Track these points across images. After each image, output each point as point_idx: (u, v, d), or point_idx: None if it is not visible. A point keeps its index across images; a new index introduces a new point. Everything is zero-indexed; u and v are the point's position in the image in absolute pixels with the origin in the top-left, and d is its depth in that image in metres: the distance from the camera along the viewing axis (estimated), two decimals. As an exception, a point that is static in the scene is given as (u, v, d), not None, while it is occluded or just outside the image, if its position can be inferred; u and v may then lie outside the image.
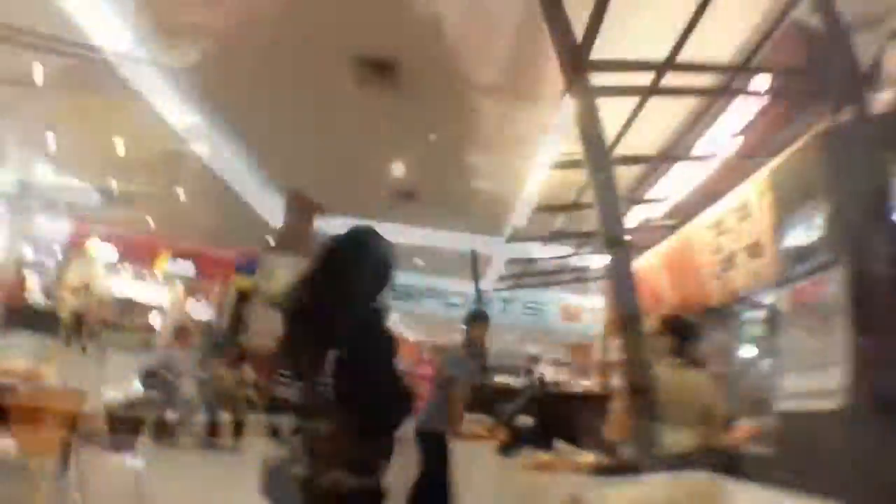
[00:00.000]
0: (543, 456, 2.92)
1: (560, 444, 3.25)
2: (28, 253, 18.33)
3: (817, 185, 3.72)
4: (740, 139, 5.19)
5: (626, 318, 2.79)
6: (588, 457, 3.01)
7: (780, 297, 4.23)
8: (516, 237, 8.24)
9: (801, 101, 4.57)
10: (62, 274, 21.22)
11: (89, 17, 7.05)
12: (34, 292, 18.28)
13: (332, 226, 13.34)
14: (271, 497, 2.04)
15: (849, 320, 3.14)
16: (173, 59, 7.78)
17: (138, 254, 20.62)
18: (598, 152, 2.91)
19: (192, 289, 21.76)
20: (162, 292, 22.37)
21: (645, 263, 6.84)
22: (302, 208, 12.57)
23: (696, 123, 5.88)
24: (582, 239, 8.40)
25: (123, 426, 4.19)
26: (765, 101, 4.97)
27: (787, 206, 4.28)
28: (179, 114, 9.51)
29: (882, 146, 3.06)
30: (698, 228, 5.72)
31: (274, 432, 2.26)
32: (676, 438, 3.12)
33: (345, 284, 2.10)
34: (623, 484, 2.04)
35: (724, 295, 5.38)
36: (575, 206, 6.76)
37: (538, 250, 9.14)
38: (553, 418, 3.46)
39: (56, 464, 4.01)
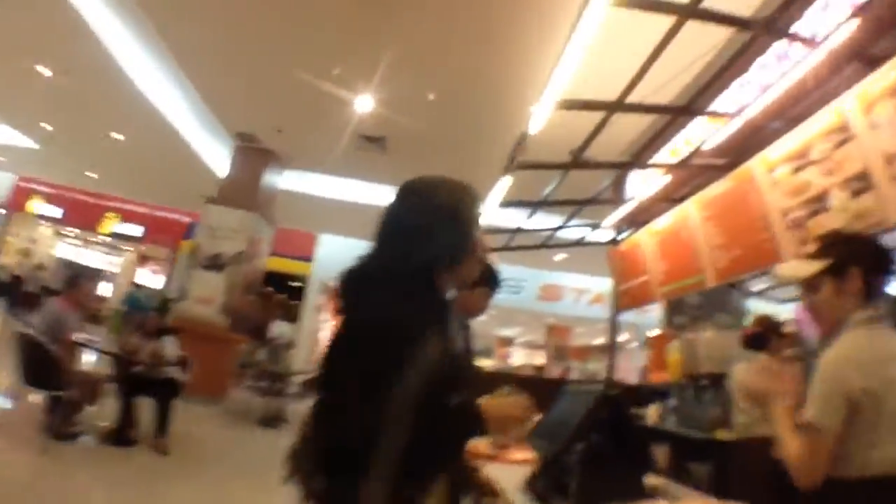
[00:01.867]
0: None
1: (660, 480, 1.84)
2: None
3: None
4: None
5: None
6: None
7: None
8: (503, 202, 6.74)
9: None
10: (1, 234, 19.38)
11: None
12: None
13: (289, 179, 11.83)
14: None
15: None
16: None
17: (84, 215, 18.80)
18: None
19: (142, 254, 19.95)
20: (110, 258, 20.62)
21: (682, 213, 5.45)
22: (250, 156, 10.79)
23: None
24: (577, 207, 7.04)
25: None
26: None
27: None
28: (123, 45, 7.83)
29: None
30: (764, 163, 4.35)
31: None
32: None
33: None
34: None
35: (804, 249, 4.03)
36: (574, 164, 5.38)
37: (523, 219, 7.61)
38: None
39: None
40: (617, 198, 7.12)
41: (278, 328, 11.63)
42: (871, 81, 3.42)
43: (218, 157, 11.40)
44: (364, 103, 8.11)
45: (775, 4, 3.52)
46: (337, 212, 12.87)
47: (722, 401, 4.32)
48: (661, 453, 4.92)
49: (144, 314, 7.83)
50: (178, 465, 5.63)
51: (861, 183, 3.48)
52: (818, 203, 3.82)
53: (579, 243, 8.51)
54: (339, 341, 1.40)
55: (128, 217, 18.33)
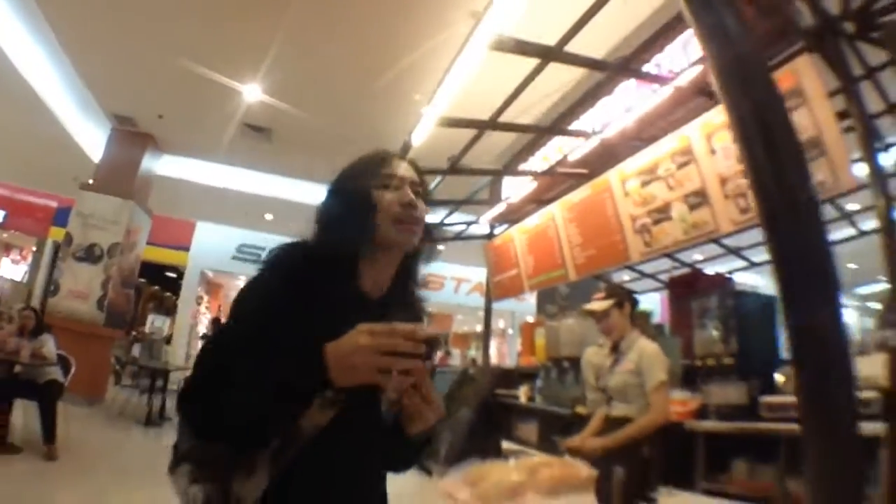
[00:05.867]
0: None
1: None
2: None
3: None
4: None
5: None
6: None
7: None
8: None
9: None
10: None
11: None
12: None
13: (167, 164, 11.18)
14: None
15: None
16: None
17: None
18: None
19: (3, 242, 18.22)
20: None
21: (548, 214, 5.91)
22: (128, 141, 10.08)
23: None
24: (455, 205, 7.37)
25: None
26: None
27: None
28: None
29: None
30: (619, 175, 4.84)
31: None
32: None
33: None
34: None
35: (648, 250, 4.56)
36: (451, 171, 5.69)
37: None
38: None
39: None
40: (493, 198, 7.53)
41: (154, 322, 11.08)
42: (713, 114, 3.93)
43: (91, 139, 10.45)
44: (250, 94, 7.92)
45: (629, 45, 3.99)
46: (217, 199, 12.31)
47: (580, 380, 4.78)
48: (531, 429, 5.37)
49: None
50: (65, 470, 5.29)
51: (698, 199, 4.01)
52: (662, 213, 4.34)
53: (459, 237, 8.88)
54: None
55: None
